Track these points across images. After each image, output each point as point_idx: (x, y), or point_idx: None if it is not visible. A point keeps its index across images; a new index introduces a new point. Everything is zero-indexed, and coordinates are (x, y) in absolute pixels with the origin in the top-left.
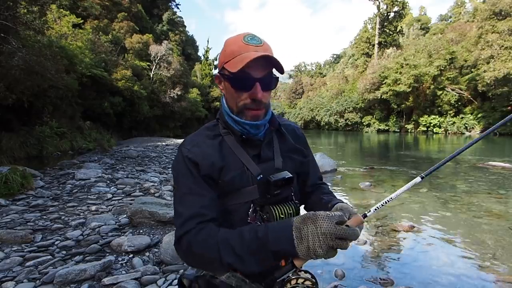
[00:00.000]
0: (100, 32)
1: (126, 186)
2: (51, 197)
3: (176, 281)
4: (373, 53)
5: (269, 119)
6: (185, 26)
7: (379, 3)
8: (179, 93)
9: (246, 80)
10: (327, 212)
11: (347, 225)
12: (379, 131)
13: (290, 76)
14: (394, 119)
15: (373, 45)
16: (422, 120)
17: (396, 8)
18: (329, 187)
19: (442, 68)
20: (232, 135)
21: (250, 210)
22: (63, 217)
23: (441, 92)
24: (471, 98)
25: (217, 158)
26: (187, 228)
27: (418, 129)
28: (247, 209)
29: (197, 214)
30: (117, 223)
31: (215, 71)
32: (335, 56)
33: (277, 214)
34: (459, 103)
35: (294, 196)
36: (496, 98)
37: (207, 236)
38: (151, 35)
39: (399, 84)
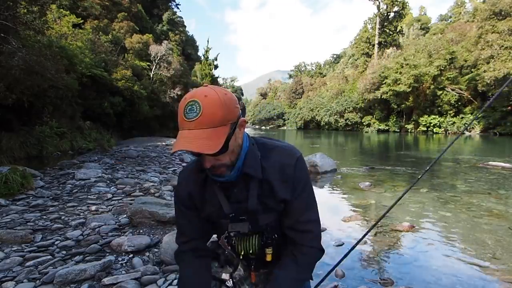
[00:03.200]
0: (100, 32)
1: (126, 186)
2: (51, 197)
3: (176, 281)
4: (373, 53)
5: (243, 163)
6: (185, 26)
7: (379, 3)
8: (179, 93)
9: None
10: None
11: None
12: (379, 131)
13: (290, 76)
14: (394, 119)
15: (373, 45)
16: (422, 120)
17: (396, 8)
18: (328, 188)
19: (442, 68)
20: None
21: (223, 236)
22: (63, 217)
23: (441, 92)
24: (471, 98)
25: (198, 196)
26: (177, 250)
27: (418, 129)
28: (223, 232)
29: (182, 241)
30: (117, 223)
31: (217, 74)
32: (335, 56)
33: (241, 246)
34: (459, 103)
35: (273, 231)
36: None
37: (180, 269)
38: (151, 35)
39: (399, 84)
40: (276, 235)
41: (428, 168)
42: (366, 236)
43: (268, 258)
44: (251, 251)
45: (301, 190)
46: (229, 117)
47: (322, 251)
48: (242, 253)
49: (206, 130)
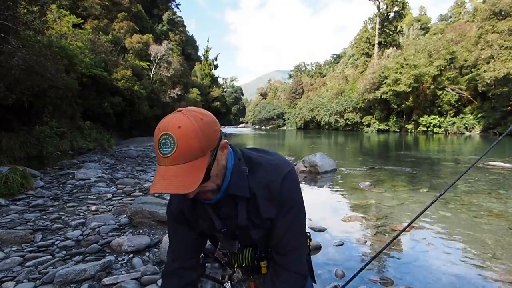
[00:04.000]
0: (100, 32)
1: (126, 186)
2: (51, 197)
3: None
4: (373, 53)
5: (228, 184)
6: (185, 26)
7: (379, 3)
8: (179, 93)
9: None
10: None
11: None
12: (379, 131)
13: (290, 76)
14: (394, 119)
15: (373, 45)
16: (422, 120)
17: (396, 8)
18: (328, 188)
19: (442, 68)
20: None
21: (218, 247)
22: (63, 217)
23: (441, 92)
24: (471, 98)
25: (190, 213)
26: (165, 269)
27: (418, 129)
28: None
29: (172, 259)
30: (117, 223)
31: (217, 74)
32: (335, 56)
33: (234, 260)
34: (459, 103)
35: (266, 245)
36: (496, 98)
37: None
38: (151, 35)
39: (399, 84)
40: (270, 248)
41: (459, 177)
42: (366, 236)
43: (263, 271)
44: (244, 264)
45: (288, 209)
46: (208, 146)
47: (305, 277)
48: (236, 266)
49: (183, 166)
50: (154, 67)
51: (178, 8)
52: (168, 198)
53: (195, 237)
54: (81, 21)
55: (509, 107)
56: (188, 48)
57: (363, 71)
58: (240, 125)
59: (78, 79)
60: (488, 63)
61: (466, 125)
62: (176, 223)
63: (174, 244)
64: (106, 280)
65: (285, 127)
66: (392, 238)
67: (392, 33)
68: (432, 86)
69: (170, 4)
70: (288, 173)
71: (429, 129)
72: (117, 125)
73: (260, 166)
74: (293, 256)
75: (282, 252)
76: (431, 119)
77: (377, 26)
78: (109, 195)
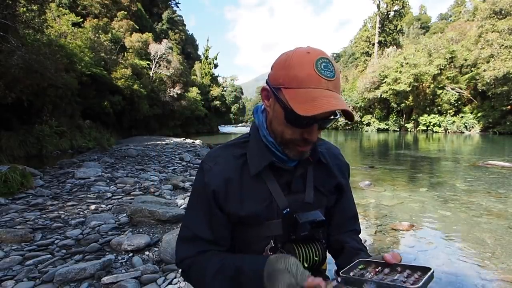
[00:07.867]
0: (100, 31)
1: (126, 185)
2: (50, 196)
3: (175, 280)
4: (373, 52)
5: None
6: (184, 25)
7: (379, 2)
8: (178, 92)
9: (305, 118)
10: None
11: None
12: (379, 130)
13: None
14: (394, 118)
15: (373, 44)
16: (422, 119)
17: (396, 7)
18: None
19: (442, 67)
20: None
21: (267, 247)
22: (62, 216)
23: (441, 91)
24: (471, 97)
25: (237, 187)
26: (185, 254)
27: (418, 128)
28: (265, 244)
29: (197, 239)
30: (116, 222)
31: (216, 73)
32: (335, 55)
33: (305, 254)
34: (459, 102)
35: (322, 234)
36: (495, 97)
37: (198, 271)
38: (151, 34)
39: (399, 83)
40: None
41: None
42: (366, 236)
43: (325, 265)
44: (316, 258)
45: (348, 180)
46: None
47: None
48: (306, 266)
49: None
50: (153, 66)
51: (177, 7)
52: (168, 197)
53: (229, 225)
54: (81, 20)
55: (509, 106)
56: (188, 47)
57: (363, 70)
58: (240, 124)
59: (77, 78)
60: (488, 62)
61: (465, 124)
62: (214, 201)
63: (204, 230)
64: (106, 279)
65: None
66: None
67: (392, 32)
68: (432, 85)
69: (169, 2)
70: None
71: (428, 128)
72: (117, 124)
73: (321, 140)
74: (358, 222)
75: (354, 221)
76: (431, 118)
77: (377, 25)
78: (109, 194)
